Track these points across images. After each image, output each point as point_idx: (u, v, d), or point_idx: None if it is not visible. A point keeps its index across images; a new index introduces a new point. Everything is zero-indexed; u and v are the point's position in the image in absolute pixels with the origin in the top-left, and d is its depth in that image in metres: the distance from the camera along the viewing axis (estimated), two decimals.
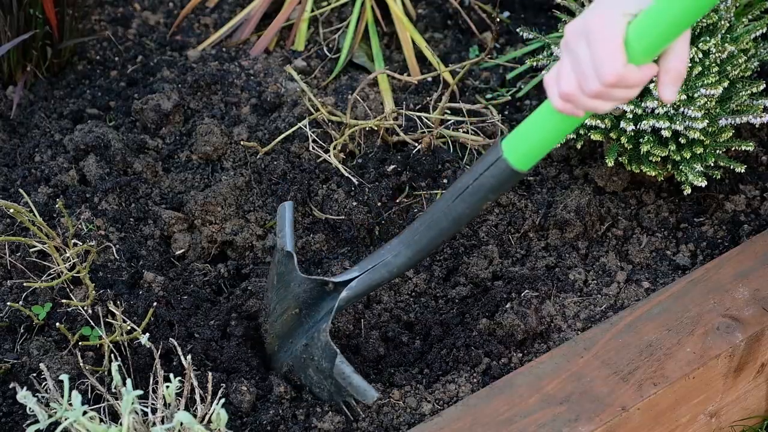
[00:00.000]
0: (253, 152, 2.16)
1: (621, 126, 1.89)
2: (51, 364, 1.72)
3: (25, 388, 1.46)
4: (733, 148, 1.98)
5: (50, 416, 1.45)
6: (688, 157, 1.92)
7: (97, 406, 1.65)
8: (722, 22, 1.95)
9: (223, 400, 1.59)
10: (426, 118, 2.17)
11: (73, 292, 1.84)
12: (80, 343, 1.76)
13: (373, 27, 2.53)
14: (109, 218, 2.00)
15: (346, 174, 2.07)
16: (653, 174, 1.94)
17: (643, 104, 1.87)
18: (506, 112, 2.35)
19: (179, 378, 1.49)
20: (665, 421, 1.76)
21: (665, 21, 1.31)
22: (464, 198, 1.57)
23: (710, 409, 1.85)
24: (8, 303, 1.81)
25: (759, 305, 1.82)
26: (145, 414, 1.55)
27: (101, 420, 1.58)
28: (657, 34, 1.32)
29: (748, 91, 1.94)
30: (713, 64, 1.89)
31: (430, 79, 2.44)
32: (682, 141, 1.91)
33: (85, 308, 1.80)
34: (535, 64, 2.14)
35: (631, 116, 1.89)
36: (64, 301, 1.77)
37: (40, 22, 2.31)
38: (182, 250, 1.97)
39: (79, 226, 1.96)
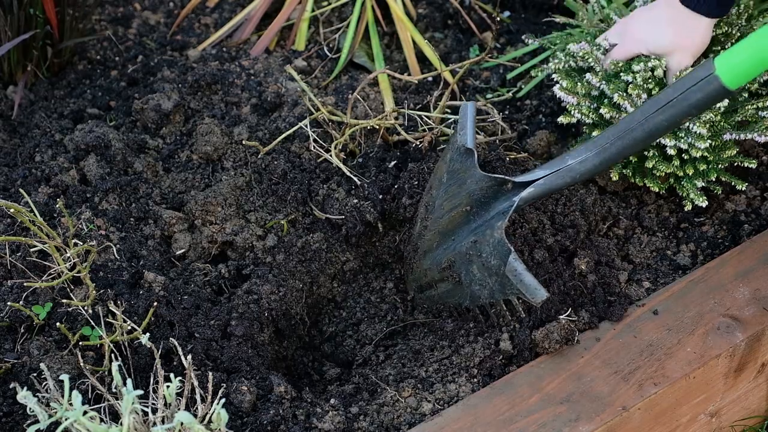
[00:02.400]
0: (253, 152, 2.16)
1: None
2: (51, 364, 1.72)
3: (25, 388, 1.46)
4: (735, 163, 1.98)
5: (50, 416, 1.45)
6: (690, 174, 1.92)
7: (97, 406, 1.65)
8: (734, 31, 1.95)
9: (223, 400, 1.59)
10: (426, 117, 2.17)
11: (73, 292, 1.84)
12: (80, 342, 1.76)
13: (373, 27, 2.53)
14: (110, 218, 2.00)
15: (349, 174, 2.06)
16: (656, 189, 1.96)
17: None
18: (506, 112, 2.35)
19: (179, 378, 1.49)
20: (666, 420, 1.76)
21: None
22: (665, 110, 1.64)
23: (711, 409, 1.85)
24: (8, 303, 1.81)
25: (759, 305, 1.82)
26: (146, 414, 1.55)
27: (101, 420, 1.58)
28: None
29: (755, 105, 1.93)
30: None
31: (430, 78, 2.44)
32: (686, 157, 1.91)
33: (86, 308, 1.80)
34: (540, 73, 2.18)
35: None
36: (64, 300, 1.77)
37: (41, 22, 2.31)
38: (183, 250, 1.96)
39: (80, 226, 1.96)
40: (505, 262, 1.69)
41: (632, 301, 1.84)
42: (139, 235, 1.99)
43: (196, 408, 1.58)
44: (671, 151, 1.89)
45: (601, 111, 1.93)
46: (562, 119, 2.00)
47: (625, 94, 1.89)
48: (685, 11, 1.85)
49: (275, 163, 2.11)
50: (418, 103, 2.31)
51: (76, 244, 1.80)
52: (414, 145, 2.13)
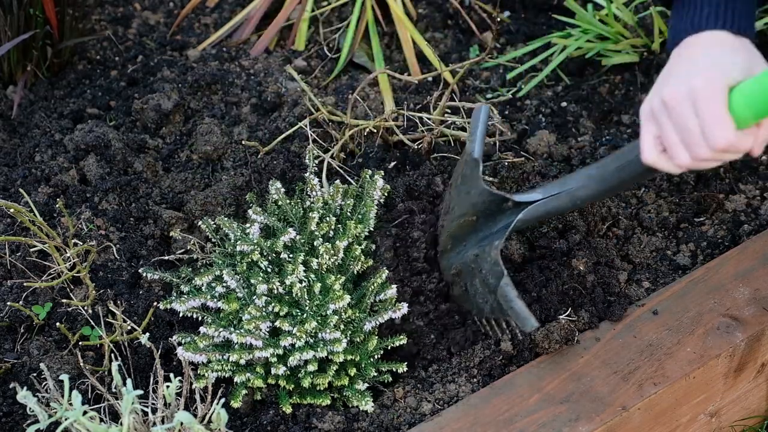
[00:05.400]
0: (253, 152, 2.16)
1: (273, 372, 1.71)
2: (51, 364, 1.72)
3: (25, 388, 1.46)
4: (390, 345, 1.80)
5: (50, 416, 1.45)
6: (346, 383, 1.74)
7: (97, 406, 1.65)
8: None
9: (223, 400, 1.59)
10: (426, 117, 2.17)
11: (73, 292, 1.84)
12: (80, 342, 1.76)
13: (373, 27, 2.53)
14: (110, 218, 2.00)
15: (347, 176, 2.06)
16: (327, 402, 1.72)
17: (281, 343, 1.71)
18: (506, 112, 2.35)
19: (179, 378, 1.49)
20: (665, 420, 1.76)
21: None
22: None
23: (710, 409, 1.85)
24: (8, 303, 1.81)
25: (759, 305, 1.82)
26: (146, 414, 1.55)
27: (101, 420, 1.58)
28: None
29: (375, 283, 1.80)
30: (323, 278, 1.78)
31: (430, 78, 2.44)
32: (335, 367, 1.74)
33: (86, 308, 1.80)
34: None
35: (275, 359, 1.71)
36: (64, 300, 1.77)
37: (41, 22, 2.31)
38: (182, 250, 1.96)
39: (80, 226, 1.96)
40: (498, 283, 1.68)
41: (632, 301, 1.84)
42: (139, 235, 1.99)
43: (196, 408, 1.58)
44: (312, 366, 1.71)
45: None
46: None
47: None
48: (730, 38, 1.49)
49: (275, 162, 2.11)
50: (418, 104, 2.31)
51: (75, 244, 1.80)
52: (417, 142, 2.13)
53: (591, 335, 1.78)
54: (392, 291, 1.81)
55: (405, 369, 1.77)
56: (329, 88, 2.42)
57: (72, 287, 1.85)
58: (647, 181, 2.12)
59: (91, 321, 1.80)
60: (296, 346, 1.71)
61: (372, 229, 1.91)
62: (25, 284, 1.83)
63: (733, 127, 1.37)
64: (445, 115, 2.19)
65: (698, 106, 1.38)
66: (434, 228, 1.92)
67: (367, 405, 1.70)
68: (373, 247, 1.90)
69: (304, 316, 1.73)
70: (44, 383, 1.56)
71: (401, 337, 1.79)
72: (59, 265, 1.79)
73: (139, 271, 1.88)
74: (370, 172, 2.01)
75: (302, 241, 1.84)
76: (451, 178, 1.84)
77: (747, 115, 1.38)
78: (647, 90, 2.38)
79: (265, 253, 1.81)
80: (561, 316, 1.77)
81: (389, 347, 1.79)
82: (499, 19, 2.59)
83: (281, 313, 1.74)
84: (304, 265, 1.78)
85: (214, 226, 1.92)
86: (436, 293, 1.86)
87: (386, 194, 1.99)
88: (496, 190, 1.73)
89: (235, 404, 1.69)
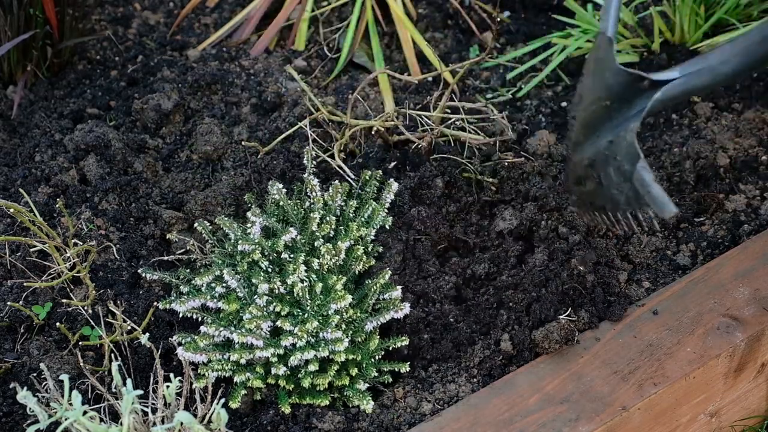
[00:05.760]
0: (253, 152, 2.16)
1: (273, 372, 1.71)
2: (51, 364, 1.72)
3: (25, 388, 1.46)
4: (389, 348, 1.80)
5: (50, 416, 1.45)
6: (347, 383, 1.74)
7: (97, 406, 1.65)
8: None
9: (223, 400, 1.59)
10: (426, 117, 2.17)
11: (73, 292, 1.84)
12: (80, 342, 1.76)
13: (373, 27, 2.53)
14: (110, 218, 2.00)
15: (348, 176, 2.06)
16: (326, 402, 1.73)
17: (282, 343, 1.71)
18: (507, 112, 2.35)
19: (179, 378, 1.49)
20: (665, 420, 1.76)
21: None
22: None
23: (710, 409, 1.85)
24: (8, 303, 1.81)
25: (759, 305, 1.82)
26: (146, 414, 1.55)
27: (101, 420, 1.58)
28: None
29: (378, 283, 1.80)
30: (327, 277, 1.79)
31: (430, 78, 2.44)
32: (336, 367, 1.74)
33: (86, 308, 1.80)
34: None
35: (276, 359, 1.71)
36: (64, 300, 1.77)
37: (41, 22, 2.31)
38: (182, 250, 1.96)
39: (80, 226, 1.96)
40: (635, 168, 1.58)
41: (632, 301, 1.84)
42: (139, 235, 1.99)
43: (196, 408, 1.58)
44: (313, 366, 1.71)
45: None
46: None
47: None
48: None
49: (275, 162, 2.11)
50: (418, 103, 2.31)
51: (76, 244, 1.80)
52: (414, 145, 2.13)
53: (591, 335, 1.78)
54: (397, 292, 1.81)
55: (407, 369, 1.77)
56: (329, 88, 2.42)
57: (72, 287, 1.85)
58: None
59: (91, 321, 1.80)
60: (297, 345, 1.71)
61: (376, 231, 1.92)
62: (25, 284, 1.83)
63: None
64: (446, 114, 2.19)
65: None
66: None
67: (368, 405, 1.70)
68: (380, 249, 1.90)
69: (306, 315, 1.73)
70: (44, 383, 1.56)
71: (403, 338, 1.79)
72: (59, 265, 1.79)
73: (139, 271, 1.88)
74: (369, 172, 2.01)
75: (303, 241, 1.84)
76: (583, 67, 1.73)
77: None
78: None
79: (266, 253, 1.81)
80: (561, 316, 1.77)
81: (390, 348, 1.79)
82: (499, 19, 2.59)
83: (282, 313, 1.74)
84: (306, 265, 1.78)
85: (211, 228, 1.92)
86: (441, 296, 1.86)
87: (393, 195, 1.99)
88: (630, 69, 1.64)
89: (234, 405, 1.69)
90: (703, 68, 1.58)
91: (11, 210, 1.73)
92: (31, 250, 1.88)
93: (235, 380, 1.72)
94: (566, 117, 2.34)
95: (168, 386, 1.48)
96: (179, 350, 1.72)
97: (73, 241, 1.80)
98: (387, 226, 1.93)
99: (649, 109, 1.60)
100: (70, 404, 1.43)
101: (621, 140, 1.63)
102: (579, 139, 1.76)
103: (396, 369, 1.77)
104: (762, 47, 1.53)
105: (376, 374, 1.77)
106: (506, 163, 2.09)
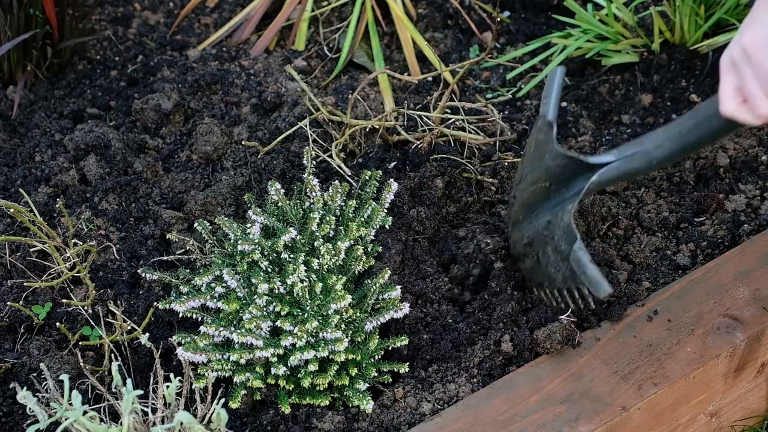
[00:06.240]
0: (253, 152, 2.16)
1: (273, 372, 1.71)
2: (51, 364, 1.72)
3: (25, 388, 1.46)
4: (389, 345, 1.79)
5: (50, 416, 1.45)
6: (347, 383, 1.73)
7: (97, 406, 1.65)
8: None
9: (223, 400, 1.59)
10: (426, 117, 2.17)
11: (73, 292, 1.84)
12: (80, 342, 1.76)
13: (373, 27, 2.53)
14: (110, 218, 2.00)
15: (348, 176, 2.06)
16: (326, 402, 1.72)
17: (282, 343, 1.71)
18: (506, 112, 2.35)
19: (179, 378, 1.49)
20: (665, 420, 1.76)
21: None
22: None
23: (710, 409, 1.85)
24: (8, 303, 1.81)
25: (759, 305, 1.82)
26: (146, 414, 1.55)
27: (101, 420, 1.58)
28: None
29: (377, 283, 1.80)
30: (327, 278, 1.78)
31: (430, 78, 2.44)
32: (335, 367, 1.73)
33: (86, 308, 1.80)
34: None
35: (275, 359, 1.71)
36: (64, 300, 1.77)
37: (41, 22, 2.31)
38: (182, 250, 1.96)
39: (80, 226, 1.96)
40: (571, 248, 1.62)
41: (632, 301, 1.84)
42: (139, 235, 1.99)
43: (196, 408, 1.58)
44: (313, 366, 1.71)
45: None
46: None
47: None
48: None
49: (275, 162, 2.11)
50: (418, 103, 2.31)
51: (76, 244, 1.80)
52: (414, 145, 2.13)
53: (591, 335, 1.78)
54: (397, 292, 1.81)
55: (406, 369, 1.77)
56: (329, 88, 2.42)
57: (72, 287, 1.85)
58: (647, 181, 2.12)
59: (91, 321, 1.80)
60: (297, 345, 1.71)
61: (375, 231, 1.92)
62: (25, 284, 1.83)
63: None
64: (445, 114, 2.19)
65: None
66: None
67: (368, 405, 1.70)
68: (380, 249, 1.90)
69: (305, 315, 1.73)
70: (44, 383, 1.56)
71: (402, 337, 1.79)
72: (59, 265, 1.79)
73: (139, 271, 1.88)
74: (369, 172, 2.01)
75: (303, 241, 1.84)
76: (525, 148, 1.77)
77: None
78: (647, 90, 2.38)
79: (265, 253, 1.81)
80: (562, 317, 1.77)
81: (390, 348, 1.79)
82: (499, 19, 2.59)
83: (282, 313, 1.74)
84: (305, 265, 1.78)
85: (211, 228, 1.92)
86: (440, 296, 1.86)
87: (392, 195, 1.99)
88: (570, 152, 1.68)
89: (234, 405, 1.69)
90: (637, 152, 1.61)
91: (11, 210, 1.73)
92: (31, 250, 1.88)
93: (234, 380, 1.72)
94: (566, 117, 2.34)
95: (168, 386, 1.48)
96: (179, 350, 1.72)
97: (73, 241, 1.80)
98: (387, 226, 1.93)
99: (585, 191, 1.64)
100: (70, 404, 1.43)
101: (558, 221, 1.66)
102: (518, 218, 1.81)
103: (396, 369, 1.77)
104: (694, 133, 1.56)
105: (376, 374, 1.77)
106: (506, 163, 2.09)
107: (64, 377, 1.44)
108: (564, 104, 2.37)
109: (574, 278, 1.65)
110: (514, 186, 1.82)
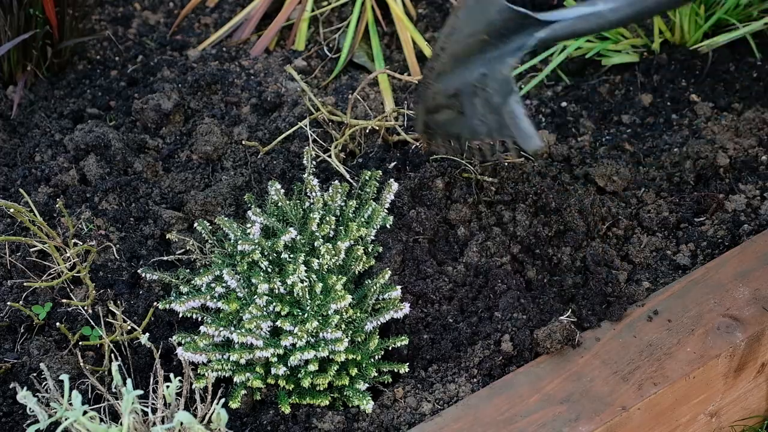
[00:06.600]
0: (253, 152, 2.16)
1: (273, 372, 1.71)
2: (51, 364, 1.72)
3: (25, 388, 1.46)
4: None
5: (50, 416, 1.45)
6: (347, 383, 1.73)
7: (97, 406, 1.65)
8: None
9: (223, 400, 1.59)
10: None
11: (73, 292, 1.84)
12: (80, 342, 1.76)
13: (373, 27, 2.53)
14: (110, 218, 2.00)
15: (347, 176, 2.07)
16: (326, 402, 1.71)
17: (282, 343, 1.71)
18: None
19: (179, 378, 1.49)
20: (665, 420, 1.76)
21: None
22: None
23: (710, 409, 1.85)
24: (8, 303, 1.81)
25: (759, 305, 1.82)
26: (146, 414, 1.55)
27: (101, 420, 1.58)
28: None
29: (378, 284, 1.80)
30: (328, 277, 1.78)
31: None
32: (335, 367, 1.73)
33: (86, 308, 1.80)
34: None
35: (275, 359, 1.71)
36: (64, 300, 1.77)
37: (40, 22, 2.31)
38: (182, 250, 1.96)
39: (80, 226, 1.96)
40: (507, 101, 1.62)
41: (632, 301, 1.84)
42: (139, 235, 1.99)
43: (196, 408, 1.58)
44: (313, 366, 1.70)
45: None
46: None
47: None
48: None
49: (275, 162, 2.11)
50: None
51: (76, 244, 1.80)
52: (414, 145, 2.13)
53: (591, 335, 1.78)
54: (397, 292, 1.81)
55: (406, 369, 1.77)
56: (329, 88, 2.42)
57: (72, 287, 1.85)
58: (647, 181, 2.12)
59: (91, 321, 1.80)
60: (297, 345, 1.71)
61: (376, 232, 1.92)
62: (25, 284, 1.83)
63: None
64: None
65: None
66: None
67: (368, 405, 1.70)
68: (380, 249, 1.90)
69: (306, 315, 1.73)
70: (44, 383, 1.56)
71: (402, 337, 1.79)
72: (59, 265, 1.79)
73: (139, 271, 1.88)
74: (369, 172, 2.00)
75: (303, 241, 1.84)
76: (458, 1, 1.76)
77: None
78: (647, 90, 2.38)
79: (265, 253, 1.81)
80: (562, 317, 1.78)
81: (390, 348, 1.79)
82: None
83: (282, 313, 1.74)
84: (306, 265, 1.78)
85: (211, 228, 1.92)
86: (441, 296, 1.86)
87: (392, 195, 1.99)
88: (519, 7, 1.66)
89: (234, 405, 1.69)
90: (592, 13, 1.60)
91: (11, 210, 1.73)
92: (31, 250, 1.88)
93: (234, 380, 1.72)
94: (566, 117, 2.33)
95: (168, 386, 1.48)
96: (179, 350, 1.72)
97: (73, 241, 1.80)
98: (388, 226, 1.93)
99: (529, 45, 1.63)
100: (70, 404, 1.43)
101: (496, 73, 1.65)
102: (445, 69, 1.78)
103: (396, 369, 1.77)
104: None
105: (376, 374, 1.77)
106: (506, 163, 2.09)
107: (64, 377, 1.44)
108: (564, 104, 2.37)
109: (500, 130, 1.65)
110: (442, 36, 1.78)
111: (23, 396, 1.41)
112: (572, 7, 1.64)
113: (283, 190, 1.91)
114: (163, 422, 1.53)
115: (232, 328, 1.73)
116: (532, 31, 1.64)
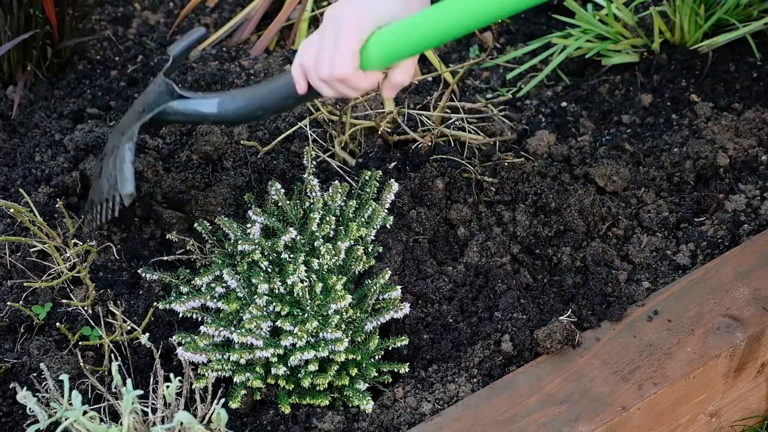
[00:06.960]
0: (253, 152, 2.16)
1: (273, 372, 1.70)
2: (51, 364, 1.72)
3: (25, 388, 1.46)
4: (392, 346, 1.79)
5: (50, 416, 1.45)
6: (347, 383, 1.73)
7: (97, 406, 1.65)
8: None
9: (223, 400, 1.59)
10: (426, 117, 2.17)
11: (73, 292, 1.84)
12: (80, 343, 1.76)
13: None
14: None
15: (346, 176, 2.07)
16: (326, 402, 1.72)
17: (282, 343, 1.71)
18: (506, 112, 2.35)
19: (179, 378, 1.49)
20: (665, 420, 1.76)
21: (408, 41, 1.50)
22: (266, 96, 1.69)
23: (710, 409, 1.85)
24: (8, 303, 1.81)
25: (759, 305, 1.82)
26: (145, 414, 1.55)
27: (101, 420, 1.58)
28: (396, 51, 1.52)
29: (378, 284, 1.80)
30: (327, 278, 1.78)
31: (430, 78, 2.44)
32: (335, 367, 1.73)
33: (86, 308, 1.80)
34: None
35: (275, 359, 1.71)
36: (64, 301, 1.77)
37: (41, 22, 2.31)
38: (182, 251, 1.96)
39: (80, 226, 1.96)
40: (123, 146, 1.66)
41: (632, 301, 1.84)
42: (140, 235, 1.99)
43: (196, 408, 1.58)
44: (313, 366, 1.70)
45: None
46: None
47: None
48: None
49: (275, 162, 2.11)
50: (418, 103, 2.31)
51: (75, 244, 1.80)
52: (415, 145, 2.13)
53: (591, 335, 1.78)
54: (397, 292, 1.81)
55: (407, 369, 1.77)
56: None
57: (72, 287, 1.85)
58: (647, 181, 2.12)
59: (91, 321, 1.80)
60: (297, 345, 1.71)
61: (376, 232, 1.92)
62: (25, 284, 1.83)
63: (355, 64, 1.51)
64: (446, 114, 2.19)
65: (339, 31, 1.51)
66: None
67: (368, 405, 1.70)
68: (380, 249, 1.90)
69: (306, 315, 1.73)
70: (44, 383, 1.56)
71: (403, 337, 1.79)
72: (59, 265, 1.79)
73: (139, 271, 1.88)
74: (369, 172, 2.00)
75: (303, 241, 1.84)
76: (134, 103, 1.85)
77: (374, 59, 1.52)
78: (647, 90, 2.38)
79: (266, 253, 1.81)
80: (562, 317, 1.78)
81: (390, 348, 1.79)
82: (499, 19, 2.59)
83: (282, 313, 1.74)
84: (306, 265, 1.78)
85: (211, 228, 1.92)
86: (441, 296, 1.86)
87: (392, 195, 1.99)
88: (169, 79, 1.75)
89: (234, 405, 1.69)
90: (215, 100, 1.71)
91: (11, 210, 1.73)
92: (31, 250, 1.88)
93: (234, 380, 1.72)
94: (566, 117, 2.34)
95: (168, 386, 1.48)
96: (179, 350, 1.72)
97: (73, 241, 1.80)
98: (388, 226, 1.93)
99: (159, 111, 1.71)
100: (70, 404, 1.43)
101: (127, 129, 1.71)
102: (111, 146, 1.83)
103: (396, 369, 1.77)
104: (268, 98, 1.69)
105: (376, 374, 1.77)
106: (506, 163, 2.09)
107: (64, 377, 1.44)
108: (564, 104, 2.38)
109: (115, 183, 1.68)
110: (112, 136, 1.85)
111: (23, 396, 1.41)
112: (217, 93, 1.73)
113: (283, 190, 1.91)
114: (163, 422, 1.53)
115: (232, 328, 1.73)
116: (168, 101, 1.73)
